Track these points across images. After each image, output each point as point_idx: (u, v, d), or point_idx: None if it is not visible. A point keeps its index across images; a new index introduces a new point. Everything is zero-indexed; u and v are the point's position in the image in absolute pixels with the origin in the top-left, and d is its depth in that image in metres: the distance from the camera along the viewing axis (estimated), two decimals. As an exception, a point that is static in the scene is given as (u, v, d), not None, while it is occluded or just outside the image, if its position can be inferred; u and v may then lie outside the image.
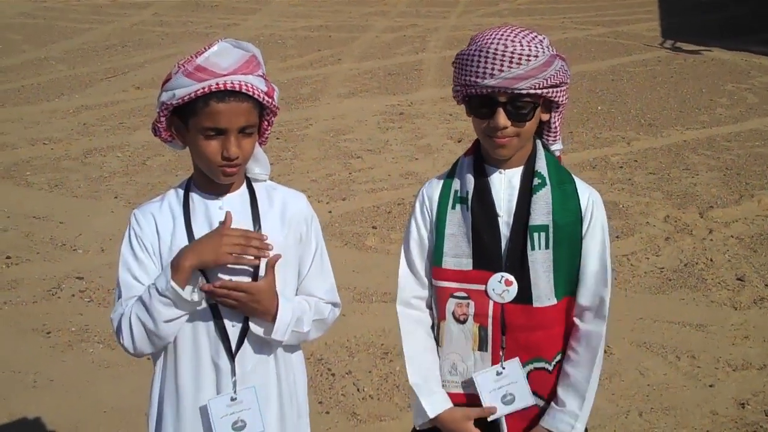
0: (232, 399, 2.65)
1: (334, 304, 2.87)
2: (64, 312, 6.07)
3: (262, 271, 2.62)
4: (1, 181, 8.85)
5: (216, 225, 2.63)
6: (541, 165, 2.70)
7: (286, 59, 14.51)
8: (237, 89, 2.49)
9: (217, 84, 2.48)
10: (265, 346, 2.70)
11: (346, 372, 5.26)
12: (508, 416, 2.75)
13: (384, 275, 6.31)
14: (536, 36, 2.59)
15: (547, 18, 18.43)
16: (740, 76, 13.10)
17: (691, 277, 6.48)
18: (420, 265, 2.83)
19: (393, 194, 8.29)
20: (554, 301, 2.68)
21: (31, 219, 7.79)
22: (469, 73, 2.57)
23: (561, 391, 2.73)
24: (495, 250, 2.68)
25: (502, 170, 2.71)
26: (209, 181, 2.65)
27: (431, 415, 2.75)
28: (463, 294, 2.71)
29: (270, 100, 2.59)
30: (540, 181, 2.67)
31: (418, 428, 2.86)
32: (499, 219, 2.69)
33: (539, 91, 2.54)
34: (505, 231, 2.68)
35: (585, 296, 2.73)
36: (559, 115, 2.71)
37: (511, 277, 2.66)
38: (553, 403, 2.74)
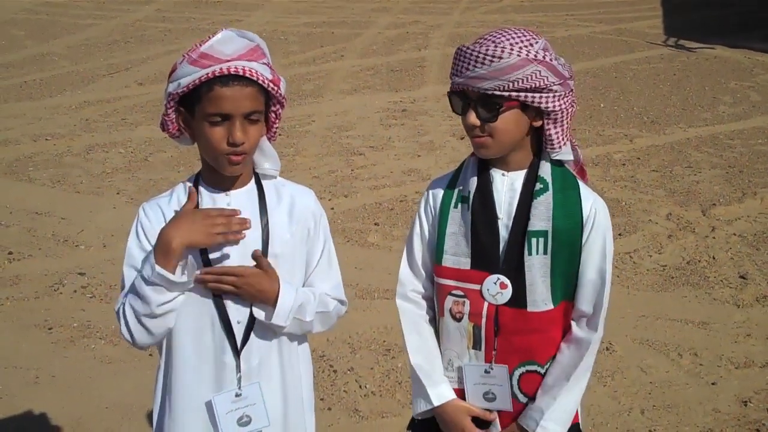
0: (237, 395, 2.65)
1: (341, 302, 2.87)
2: (66, 308, 6.07)
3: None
4: (4, 176, 8.85)
5: None
6: (545, 170, 2.68)
7: (288, 55, 14.51)
8: (241, 74, 2.49)
9: (221, 69, 2.48)
10: (270, 341, 2.70)
11: (348, 368, 5.26)
12: (501, 413, 2.77)
13: (386, 272, 6.31)
14: (525, 40, 2.55)
15: (550, 15, 18.41)
16: (743, 74, 13.09)
17: (694, 275, 6.47)
18: (422, 262, 2.85)
19: (395, 191, 8.29)
20: (551, 306, 2.67)
21: (33, 215, 7.79)
22: (451, 70, 2.61)
23: (539, 390, 2.73)
24: (493, 251, 2.68)
25: (506, 172, 2.70)
26: (217, 175, 2.65)
27: (436, 403, 2.77)
28: (460, 292, 2.72)
29: (275, 88, 2.58)
30: (542, 186, 2.66)
31: (417, 417, 2.88)
32: (499, 221, 2.68)
33: (505, 93, 2.52)
34: (504, 233, 2.68)
35: (581, 303, 2.71)
36: (554, 124, 2.62)
37: (507, 281, 2.65)
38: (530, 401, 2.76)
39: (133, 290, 2.55)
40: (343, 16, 18.58)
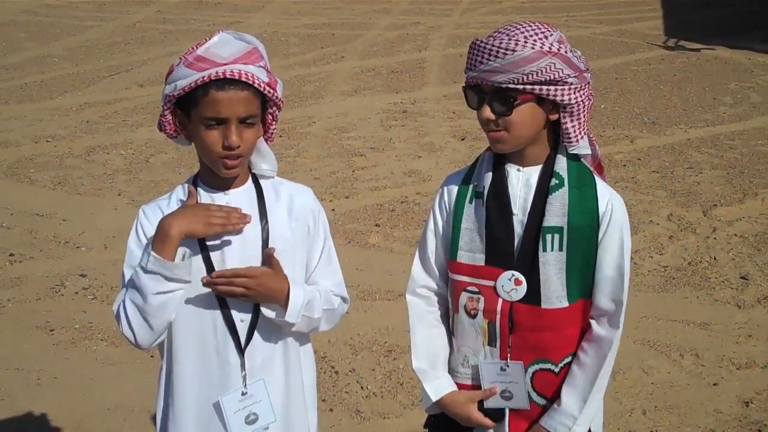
0: (243, 393, 2.65)
1: (343, 299, 2.87)
2: (68, 309, 6.07)
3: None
4: (5, 178, 8.85)
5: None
6: (561, 165, 2.66)
7: (288, 57, 14.51)
8: (236, 77, 2.49)
9: (217, 72, 2.48)
10: (273, 339, 2.70)
11: (350, 370, 5.26)
12: (511, 414, 2.75)
13: (387, 273, 6.32)
14: (540, 32, 2.55)
15: (550, 16, 18.40)
16: (744, 75, 13.09)
17: (695, 276, 6.48)
18: (434, 258, 2.84)
19: (396, 192, 8.29)
20: (566, 304, 2.65)
21: (34, 216, 7.79)
22: (466, 64, 2.61)
23: (564, 392, 2.71)
24: (507, 247, 2.66)
25: (521, 168, 2.69)
26: (215, 175, 2.65)
27: (434, 398, 2.77)
28: (475, 289, 2.71)
29: (271, 91, 2.58)
30: (558, 181, 2.64)
31: (427, 412, 2.88)
32: (514, 217, 2.67)
33: (519, 86, 2.51)
34: (518, 229, 2.66)
35: (600, 301, 2.70)
36: (570, 117, 2.60)
37: (521, 277, 2.64)
38: (555, 404, 2.72)
39: (132, 283, 2.55)
40: (343, 17, 18.58)
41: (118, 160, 9.39)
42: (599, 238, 2.67)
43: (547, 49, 2.51)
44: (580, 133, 2.65)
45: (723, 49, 14.79)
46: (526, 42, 2.50)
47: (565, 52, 2.54)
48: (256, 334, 2.67)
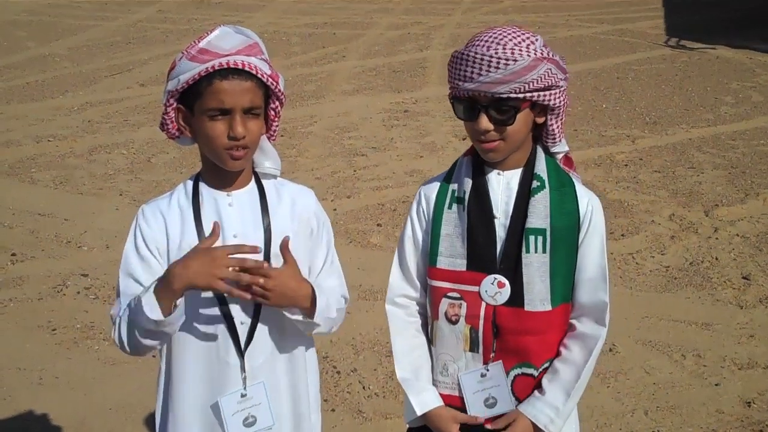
0: (243, 395, 2.64)
1: (345, 299, 2.87)
2: (70, 309, 6.07)
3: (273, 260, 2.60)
4: (6, 178, 8.86)
5: (225, 221, 2.62)
6: (541, 167, 2.66)
7: (290, 56, 14.51)
8: (240, 67, 2.49)
9: (220, 63, 2.48)
10: (274, 341, 2.69)
11: (352, 370, 5.26)
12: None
13: (389, 273, 6.31)
14: (526, 39, 2.54)
15: (552, 15, 18.42)
16: (745, 75, 13.09)
17: (697, 276, 6.47)
18: (412, 265, 2.82)
19: (398, 192, 8.29)
20: (549, 307, 2.64)
21: (36, 216, 7.80)
22: (455, 75, 2.55)
23: (546, 383, 2.68)
24: (489, 251, 2.65)
25: (501, 171, 2.68)
26: (218, 174, 2.64)
27: (419, 412, 2.73)
28: (456, 294, 2.68)
29: (274, 83, 2.58)
30: (539, 183, 2.64)
31: (409, 425, 2.84)
32: (496, 221, 2.65)
33: (520, 96, 2.50)
34: (501, 233, 2.65)
35: (584, 301, 2.70)
36: (556, 118, 2.64)
37: (504, 279, 2.62)
38: (535, 392, 2.69)
39: (130, 308, 2.52)
40: (344, 16, 18.59)
41: (120, 160, 9.39)
42: (580, 240, 2.68)
43: (542, 56, 2.52)
44: (562, 132, 2.68)
45: (725, 49, 14.79)
46: (521, 50, 2.49)
47: (553, 55, 2.56)
48: (256, 336, 2.65)
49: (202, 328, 2.63)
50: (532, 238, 2.61)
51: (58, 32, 16.85)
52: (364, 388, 5.08)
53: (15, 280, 6.51)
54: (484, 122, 2.53)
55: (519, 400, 2.70)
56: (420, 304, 2.85)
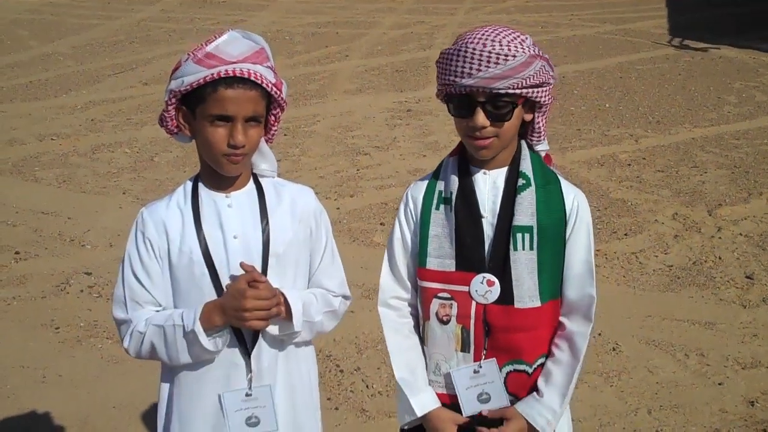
0: (247, 395, 2.64)
1: (345, 297, 2.87)
2: (73, 308, 6.08)
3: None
4: (10, 176, 8.86)
5: (225, 222, 2.63)
6: (526, 165, 2.68)
7: (293, 55, 14.52)
8: (246, 76, 2.49)
9: (226, 70, 2.48)
10: (278, 342, 2.69)
11: (355, 368, 5.26)
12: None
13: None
14: (518, 36, 2.56)
15: (555, 15, 18.41)
16: (748, 74, 13.08)
17: (700, 275, 6.47)
18: (402, 267, 2.81)
19: (401, 191, 8.20)
20: (538, 304, 2.65)
21: (39, 214, 7.80)
22: (449, 72, 2.55)
23: (542, 385, 2.70)
24: (478, 251, 2.66)
25: (487, 171, 2.69)
26: (217, 176, 2.64)
27: (419, 413, 2.73)
28: (447, 295, 2.69)
29: (278, 92, 2.59)
30: (525, 181, 2.65)
31: (404, 427, 2.83)
32: (483, 220, 2.66)
33: (518, 91, 2.52)
34: (489, 232, 2.66)
35: (572, 297, 2.71)
36: (543, 116, 2.68)
37: (493, 277, 2.63)
38: (533, 393, 2.71)
39: (163, 332, 2.58)
40: (347, 16, 18.59)
41: (123, 159, 9.40)
42: (567, 236, 2.70)
43: (535, 53, 2.54)
44: (546, 129, 2.72)
45: (728, 49, 14.78)
46: (517, 46, 2.52)
47: (543, 54, 2.59)
48: (261, 338, 2.66)
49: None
50: (519, 235, 2.63)
51: (61, 31, 16.87)
52: (367, 386, 5.08)
53: (18, 279, 6.51)
54: (481, 118, 2.54)
55: (513, 395, 2.71)
56: (411, 305, 2.86)
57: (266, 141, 2.72)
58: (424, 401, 2.74)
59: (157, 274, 2.64)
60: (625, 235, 7.18)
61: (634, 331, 5.68)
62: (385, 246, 2.92)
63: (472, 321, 2.66)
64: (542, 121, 2.69)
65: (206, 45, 2.53)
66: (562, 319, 2.73)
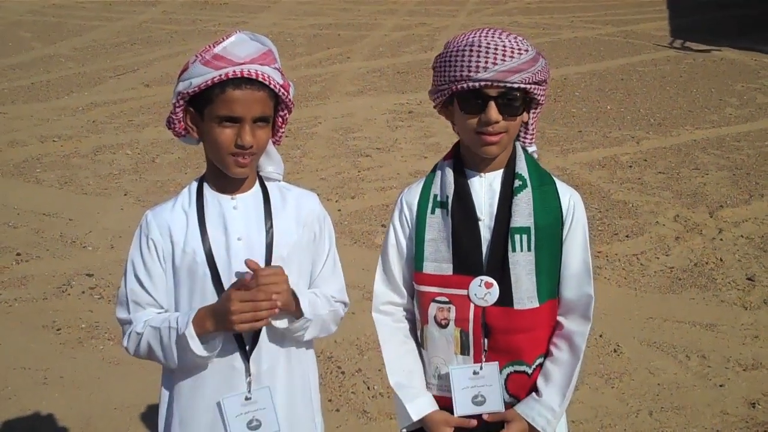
0: (247, 398, 2.64)
1: (344, 304, 2.87)
2: (74, 309, 6.08)
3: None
4: (11, 178, 8.87)
5: (230, 224, 2.63)
6: (522, 167, 2.68)
7: (295, 57, 14.53)
8: (254, 77, 2.49)
9: (234, 71, 2.48)
10: (278, 344, 2.69)
11: (356, 370, 5.26)
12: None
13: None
14: (517, 35, 2.60)
15: (556, 17, 18.41)
16: (750, 76, 13.08)
17: (701, 277, 6.47)
18: (397, 272, 2.81)
19: (402, 193, 8.27)
20: (536, 304, 2.65)
21: (40, 216, 7.81)
22: (461, 68, 2.54)
23: (542, 386, 2.70)
24: (475, 254, 2.65)
25: (483, 174, 2.69)
26: (223, 178, 2.64)
27: (415, 418, 2.73)
28: (445, 299, 2.68)
29: (285, 93, 2.59)
30: (521, 183, 2.66)
31: (406, 429, 2.82)
32: (480, 223, 2.67)
33: (527, 86, 2.54)
34: (486, 234, 2.66)
35: (569, 297, 2.72)
36: (536, 116, 2.70)
37: (491, 279, 2.63)
38: (532, 393, 2.71)
39: (159, 334, 2.60)
40: (349, 18, 18.60)
41: (125, 160, 9.40)
42: (564, 236, 2.70)
43: (537, 51, 2.58)
44: (536, 132, 2.75)
45: (729, 51, 14.78)
46: (523, 42, 2.56)
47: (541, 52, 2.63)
48: (261, 340, 2.66)
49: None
50: (517, 237, 2.63)
51: (63, 33, 16.88)
52: (368, 388, 5.08)
53: (20, 280, 6.52)
54: (494, 113, 2.54)
55: (514, 397, 2.72)
56: (407, 310, 2.85)
57: (273, 143, 2.72)
58: (420, 406, 2.74)
59: (159, 276, 2.64)
60: (627, 236, 7.18)
61: (636, 332, 5.68)
62: (386, 248, 2.91)
63: (471, 324, 2.66)
64: (535, 122, 2.72)
65: (214, 47, 2.54)
66: (559, 318, 2.74)
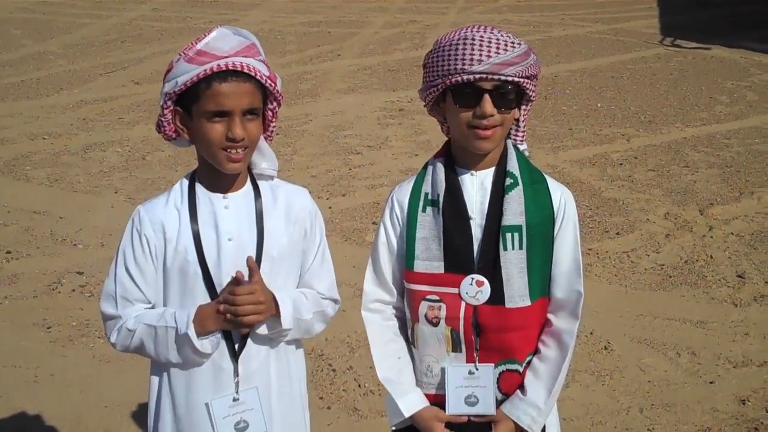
0: (235, 399, 2.64)
1: (335, 301, 2.87)
2: (65, 307, 6.07)
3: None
4: (1, 175, 8.84)
5: (221, 223, 2.63)
6: (513, 165, 2.68)
7: (285, 55, 14.50)
8: (239, 69, 2.49)
9: (219, 65, 2.47)
10: (268, 345, 2.69)
11: (347, 368, 5.26)
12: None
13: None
14: (508, 32, 2.61)
15: (546, 14, 18.42)
16: (740, 74, 13.11)
17: (692, 274, 6.49)
18: (387, 270, 2.81)
19: (393, 190, 8.27)
20: (528, 303, 2.66)
21: (31, 214, 7.78)
22: (454, 61, 2.54)
23: (528, 383, 2.71)
24: (467, 252, 2.65)
25: (474, 172, 2.70)
26: (215, 176, 2.64)
27: (407, 414, 2.73)
28: (435, 297, 2.68)
29: (273, 84, 2.58)
30: (512, 181, 2.66)
31: (394, 428, 2.83)
32: (471, 221, 2.67)
33: (520, 80, 2.54)
34: (477, 233, 2.66)
35: (559, 294, 2.72)
36: (527, 112, 2.70)
37: (482, 278, 2.63)
38: (517, 391, 2.72)
39: (153, 331, 2.60)
40: (339, 15, 18.58)
41: (115, 158, 9.38)
42: (555, 234, 2.71)
43: (529, 46, 2.60)
44: (527, 130, 2.75)
45: (719, 48, 14.81)
46: (516, 37, 2.57)
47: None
48: (249, 340, 2.66)
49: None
50: (509, 235, 2.63)
51: (53, 30, 16.82)
52: (359, 385, 5.08)
53: (10, 278, 6.50)
54: (489, 106, 2.54)
55: (506, 395, 2.72)
56: (396, 308, 2.86)
57: (265, 138, 2.71)
58: (410, 402, 2.74)
59: (150, 272, 2.64)
60: (617, 234, 7.19)
61: (626, 329, 5.69)
62: (376, 245, 2.91)
63: (461, 322, 2.66)
64: (526, 119, 2.72)
65: (196, 43, 2.53)
66: (549, 316, 2.74)
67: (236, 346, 2.65)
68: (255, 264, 2.56)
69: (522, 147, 2.77)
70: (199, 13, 18.92)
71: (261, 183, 2.74)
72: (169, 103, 2.56)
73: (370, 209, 7.83)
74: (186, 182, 2.70)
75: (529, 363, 2.73)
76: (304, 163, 9.13)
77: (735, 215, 7.59)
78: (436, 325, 2.69)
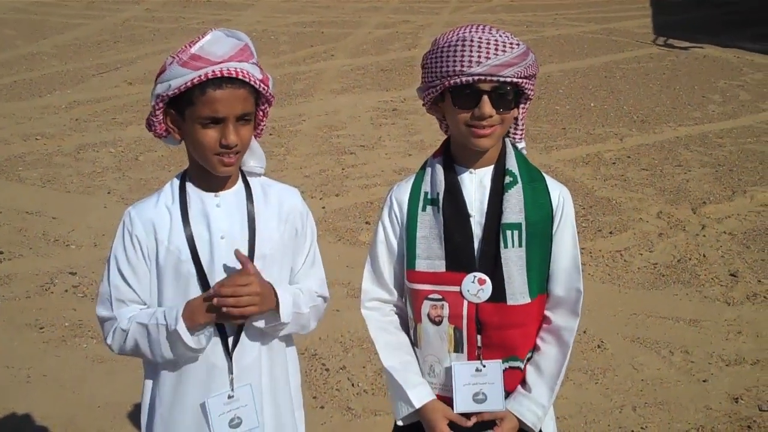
0: (230, 396, 2.64)
1: (324, 298, 2.88)
2: (58, 307, 6.06)
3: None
4: (-6, 176, 8.83)
5: (213, 222, 2.63)
6: (512, 163, 2.69)
7: (278, 55, 14.49)
8: (234, 76, 2.48)
9: (213, 71, 2.46)
10: (261, 341, 2.69)
11: (341, 367, 5.26)
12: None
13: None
14: (506, 31, 2.61)
15: (539, 14, 18.43)
16: (732, 73, 13.13)
17: (685, 273, 6.50)
18: (386, 270, 2.81)
19: (386, 190, 8.14)
20: (528, 300, 2.67)
21: (23, 214, 7.77)
22: (452, 63, 2.54)
23: (531, 380, 2.72)
24: (467, 250, 2.66)
25: (473, 170, 2.70)
26: (205, 175, 2.63)
27: (417, 405, 2.71)
28: (438, 296, 2.69)
29: (266, 88, 2.58)
30: (511, 179, 2.67)
31: (400, 422, 2.81)
32: (471, 219, 2.67)
33: (519, 80, 2.55)
34: (477, 231, 2.67)
35: (559, 292, 2.73)
36: (525, 111, 2.71)
37: (484, 276, 2.64)
38: (519, 387, 2.72)
39: (146, 330, 2.59)
40: (333, 15, 18.57)
41: (108, 158, 9.37)
42: (554, 231, 2.72)
43: (527, 46, 2.60)
44: (524, 128, 2.76)
45: (712, 48, 14.83)
46: (514, 38, 2.57)
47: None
48: (243, 337, 2.65)
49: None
50: (508, 233, 2.64)
51: (46, 31, 16.80)
52: (353, 385, 5.08)
53: (2, 279, 6.49)
54: (488, 107, 2.54)
55: (507, 393, 2.72)
56: (397, 306, 2.86)
57: (255, 136, 2.71)
58: (420, 393, 2.73)
59: (143, 273, 2.64)
60: (610, 233, 7.20)
61: (619, 328, 5.70)
62: (369, 245, 2.92)
63: (465, 321, 2.67)
64: (524, 117, 2.72)
65: (190, 47, 2.51)
66: (547, 313, 2.75)
67: (230, 341, 2.64)
68: (245, 256, 2.56)
69: (520, 145, 2.78)
70: (192, 13, 18.90)
71: (252, 181, 2.74)
72: (161, 104, 2.56)
73: (363, 209, 7.83)
74: (177, 182, 2.70)
75: (528, 360, 2.74)
76: (298, 163, 9.12)
77: (728, 214, 7.61)
78: (439, 323, 2.69)
